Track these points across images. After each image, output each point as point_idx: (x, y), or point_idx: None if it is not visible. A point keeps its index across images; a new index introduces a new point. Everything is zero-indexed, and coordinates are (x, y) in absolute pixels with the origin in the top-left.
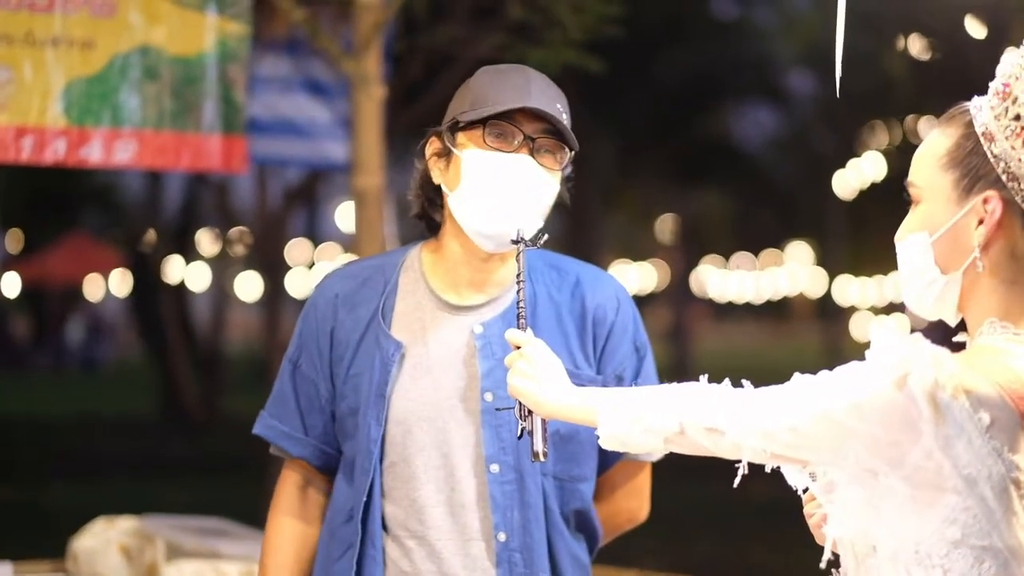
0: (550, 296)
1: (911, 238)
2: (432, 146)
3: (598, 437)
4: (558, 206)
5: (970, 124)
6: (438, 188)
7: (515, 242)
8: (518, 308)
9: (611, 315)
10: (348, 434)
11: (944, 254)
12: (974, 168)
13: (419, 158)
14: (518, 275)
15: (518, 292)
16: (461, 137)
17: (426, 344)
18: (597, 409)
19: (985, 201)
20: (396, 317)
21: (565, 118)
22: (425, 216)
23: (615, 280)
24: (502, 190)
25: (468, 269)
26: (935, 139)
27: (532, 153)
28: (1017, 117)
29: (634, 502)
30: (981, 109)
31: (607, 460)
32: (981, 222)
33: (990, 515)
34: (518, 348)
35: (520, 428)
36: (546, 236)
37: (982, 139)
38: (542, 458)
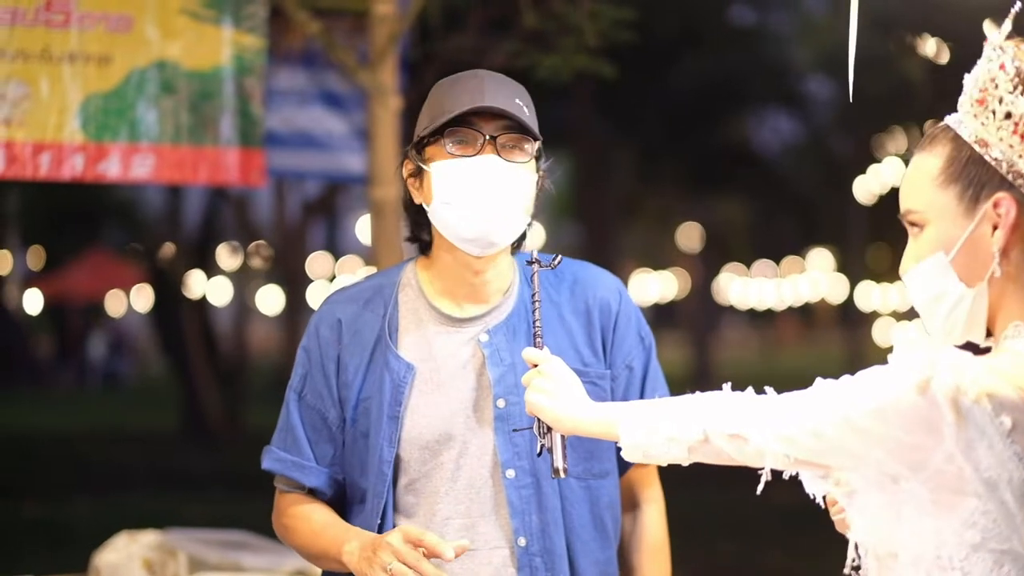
0: (549, 298)
1: (925, 264)
2: (407, 168)
3: (619, 449)
4: (577, 216)
5: (956, 138)
6: (421, 207)
7: (530, 263)
8: (534, 327)
9: (615, 305)
10: (359, 457)
11: (965, 268)
12: (975, 177)
13: (399, 181)
14: (533, 295)
15: (534, 312)
16: (428, 152)
17: (434, 360)
18: (617, 421)
19: (996, 204)
20: (401, 337)
21: (526, 111)
22: (416, 237)
23: (612, 275)
24: (474, 193)
25: (463, 281)
26: (923, 162)
27: (497, 151)
28: (1008, 115)
29: (655, 493)
30: (962, 123)
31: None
32: (996, 227)
33: (1010, 519)
34: (535, 367)
35: (540, 445)
36: (560, 258)
37: (976, 147)
38: (563, 475)
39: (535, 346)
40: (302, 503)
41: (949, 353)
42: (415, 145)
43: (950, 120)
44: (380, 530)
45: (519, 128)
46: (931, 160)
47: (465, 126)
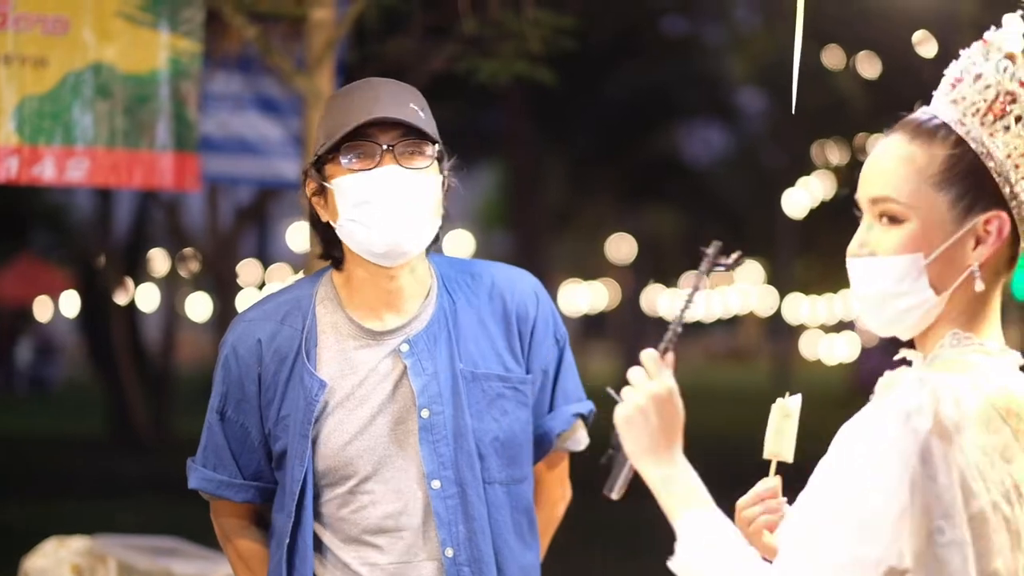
0: (469, 302)
1: (898, 260)
2: (309, 187)
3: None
4: (507, 225)
5: (960, 142)
6: (328, 224)
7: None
8: (668, 338)
9: (532, 311)
10: (281, 477)
11: (939, 275)
12: (972, 187)
13: (302, 201)
14: (691, 294)
15: (685, 310)
16: (328, 169)
17: (355, 374)
18: (682, 518)
19: (987, 221)
20: (320, 353)
21: (422, 115)
22: (328, 255)
23: (529, 275)
24: (379, 207)
25: (380, 291)
26: (913, 153)
27: (396, 160)
28: (1021, 135)
29: (559, 489)
30: (966, 127)
31: (539, 453)
32: (978, 242)
33: (991, 540)
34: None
35: (609, 453)
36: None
37: (981, 157)
38: (613, 497)
39: (662, 352)
40: (236, 517)
41: (922, 424)
42: (315, 163)
43: (946, 118)
44: (290, 550)
45: (416, 133)
46: (923, 154)
47: (362, 139)
